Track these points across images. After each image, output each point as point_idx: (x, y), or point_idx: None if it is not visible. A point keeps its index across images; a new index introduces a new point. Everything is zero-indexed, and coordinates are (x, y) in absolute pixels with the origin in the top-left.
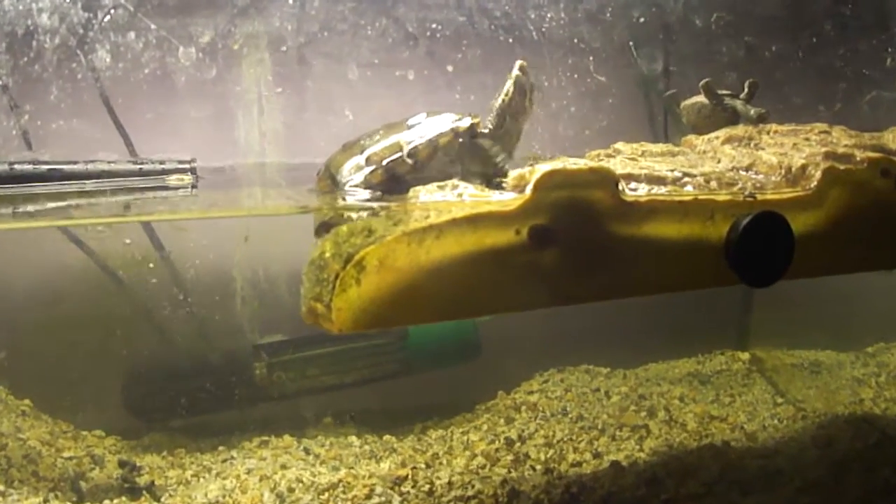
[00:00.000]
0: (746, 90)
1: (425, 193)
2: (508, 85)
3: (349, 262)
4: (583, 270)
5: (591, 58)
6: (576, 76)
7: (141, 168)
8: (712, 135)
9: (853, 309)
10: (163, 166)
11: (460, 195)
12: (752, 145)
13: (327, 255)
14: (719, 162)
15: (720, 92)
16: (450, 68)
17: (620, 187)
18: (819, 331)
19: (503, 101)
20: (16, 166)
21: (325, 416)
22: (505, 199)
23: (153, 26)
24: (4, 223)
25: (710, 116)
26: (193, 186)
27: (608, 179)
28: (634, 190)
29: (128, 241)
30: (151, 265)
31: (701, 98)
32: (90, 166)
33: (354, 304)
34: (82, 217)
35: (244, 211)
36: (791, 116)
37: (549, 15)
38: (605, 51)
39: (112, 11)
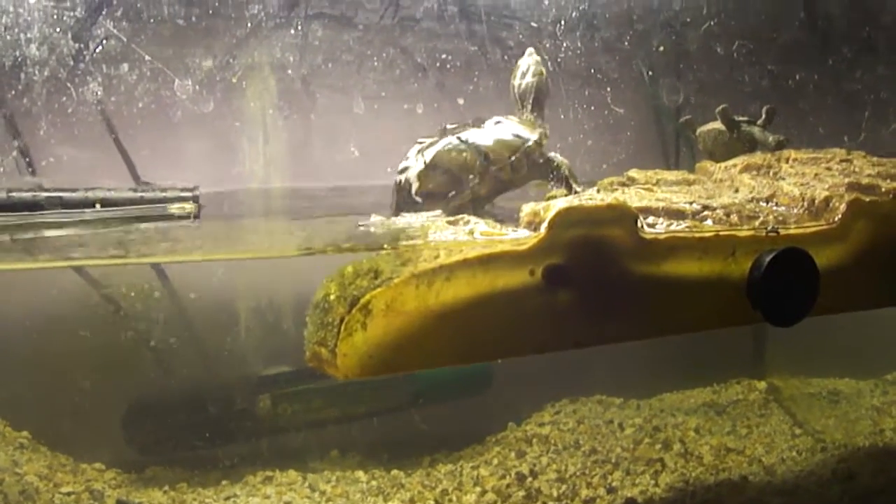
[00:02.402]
0: (764, 116)
1: (435, 231)
2: (532, 65)
3: (355, 306)
4: (600, 311)
5: (608, 89)
6: (593, 108)
7: (142, 196)
8: (729, 162)
9: (871, 335)
10: (164, 194)
11: (471, 232)
12: (771, 174)
13: (332, 297)
14: (737, 191)
15: (737, 118)
16: (461, 101)
17: (639, 224)
18: (837, 358)
19: (538, 84)
20: (13, 194)
21: (330, 449)
22: (518, 238)
23: (147, 57)
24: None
25: (726, 143)
26: (196, 216)
27: (627, 216)
28: (652, 225)
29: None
30: (154, 294)
31: (717, 124)
32: (90, 194)
33: (360, 350)
34: (80, 257)
35: (249, 253)
36: (816, 146)
37: (565, 44)
38: (623, 81)
39: (104, 42)
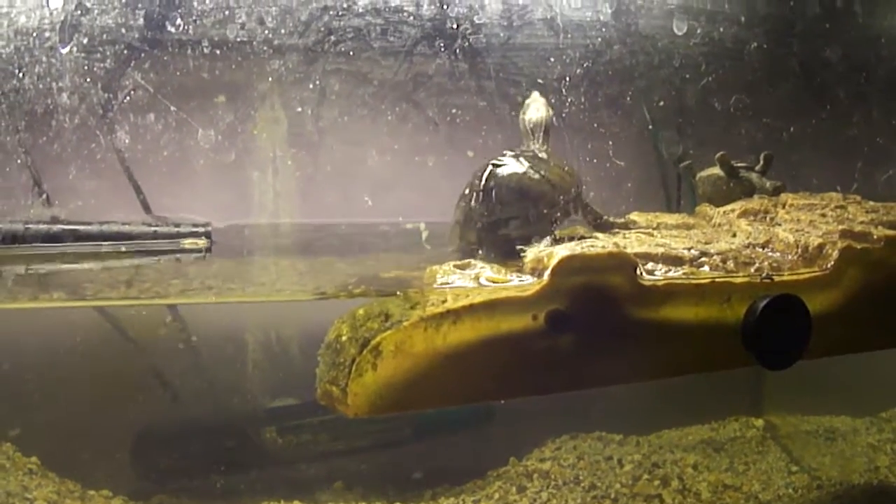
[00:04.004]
0: (762, 162)
1: (442, 275)
2: (538, 102)
3: (366, 347)
4: (600, 355)
5: (610, 142)
6: (595, 161)
7: (156, 231)
8: (728, 207)
9: (868, 373)
10: (177, 229)
11: (477, 277)
12: (768, 219)
13: (343, 338)
14: (735, 236)
15: (735, 164)
16: (470, 153)
17: (638, 271)
18: (834, 396)
19: (546, 118)
20: (30, 226)
21: (335, 481)
22: (522, 284)
23: (173, 108)
24: (16, 303)
25: (725, 189)
26: (208, 251)
27: (627, 264)
28: (651, 271)
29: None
30: (163, 324)
31: (716, 170)
32: (105, 227)
33: (370, 389)
34: (92, 294)
35: (260, 296)
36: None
37: (569, 100)
38: (624, 135)
39: (132, 92)
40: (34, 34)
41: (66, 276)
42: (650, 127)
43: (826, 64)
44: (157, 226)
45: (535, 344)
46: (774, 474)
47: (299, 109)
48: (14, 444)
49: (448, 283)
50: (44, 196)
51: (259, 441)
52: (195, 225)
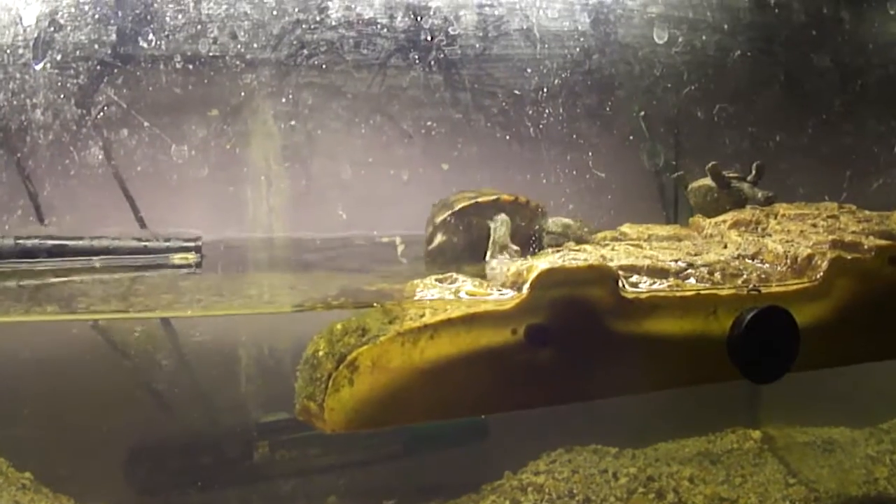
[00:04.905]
0: (754, 172)
1: (423, 288)
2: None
3: (342, 363)
4: (581, 369)
5: (589, 153)
6: (574, 172)
7: (146, 246)
8: (719, 218)
9: (866, 384)
10: (167, 244)
11: (457, 291)
12: (758, 230)
13: (321, 353)
14: (725, 247)
15: (727, 174)
16: (445, 166)
17: (620, 284)
18: (832, 407)
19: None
20: (20, 241)
21: (328, 496)
22: (501, 298)
23: (146, 123)
24: (8, 316)
25: (717, 199)
26: (198, 265)
27: (607, 277)
28: (636, 283)
29: None
30: (155, 337)
31: (707, 181)
32: (95, 242)
33: (347, 405)
34: (84, 307)
35: (246, 309)
36: None
37: (547, 111)
38: (603, 146)
39: (105, 108)
40: (8, 51)
41: (57, 292)
42: (631, 138)
43: (813, 71)
44: (147, 240)
45: (514, 358)
46: (772, 487)
47: (272, 123)
48: (7, 458)
49: (427, 297)
50: (19, 211)
51: (252, 455)
52: (185, 239)
